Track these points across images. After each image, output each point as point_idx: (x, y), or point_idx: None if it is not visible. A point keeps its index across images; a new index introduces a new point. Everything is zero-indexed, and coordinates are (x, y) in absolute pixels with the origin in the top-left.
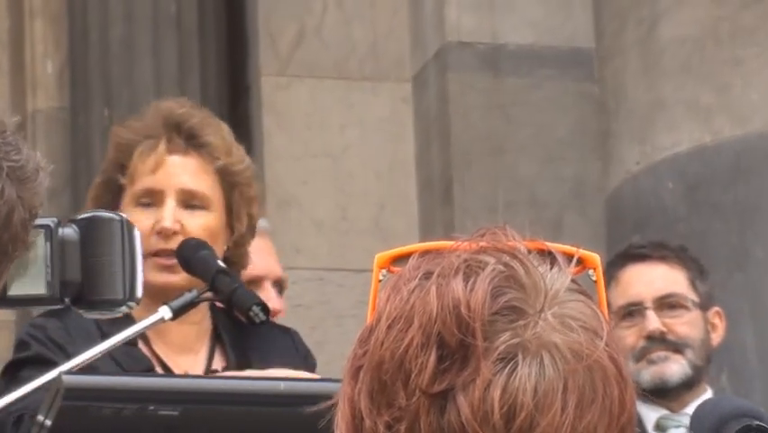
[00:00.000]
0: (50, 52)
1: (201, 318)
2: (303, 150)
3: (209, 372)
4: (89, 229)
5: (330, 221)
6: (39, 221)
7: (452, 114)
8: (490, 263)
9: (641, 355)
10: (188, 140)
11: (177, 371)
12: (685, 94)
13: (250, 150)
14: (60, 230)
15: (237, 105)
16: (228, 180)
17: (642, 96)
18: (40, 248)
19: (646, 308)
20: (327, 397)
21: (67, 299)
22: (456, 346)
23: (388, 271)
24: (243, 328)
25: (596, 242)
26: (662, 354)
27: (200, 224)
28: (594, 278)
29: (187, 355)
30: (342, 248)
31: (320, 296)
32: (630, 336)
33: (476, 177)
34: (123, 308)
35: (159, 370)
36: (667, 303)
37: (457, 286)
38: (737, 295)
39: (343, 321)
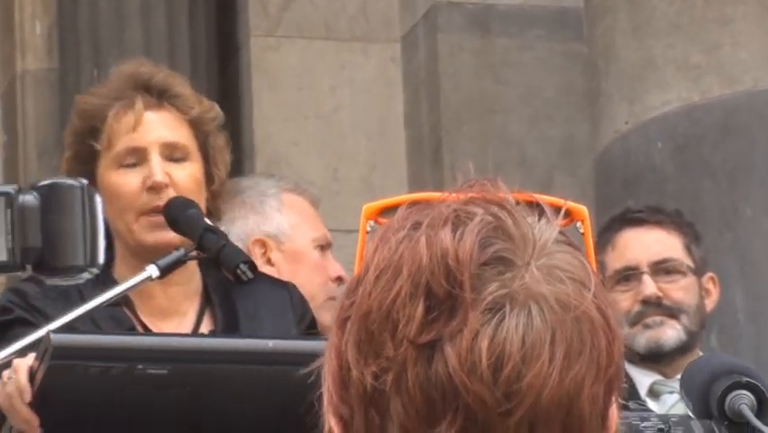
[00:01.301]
0: (39, 13)
1: (187, 279)
2: (293, 111)
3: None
4: (50, 196)
5: (320, 182)
6: None
7: (441, 74)
8: (479, 214)
9: (636, 320)
10: (160, 95)
11: None
12: (674, 53)
13: (240, 111)
14: (21, 197)
15: (227, 66)
16: (202, 129)
17: (631, 56)
18: (0, 215)
19: (642, 273)
20: (315, 356)
21: (28, 266)
22: (444, 297)
23: (376, 222)
24: (234, 286)
25: (585, 201)
26: (657, 318)
27: (187, 174)
28: (582, 230)
29: (173, 318)
30: (332, 208)
31: None
32: (625, 301)
33: (465, 137)
34: (85, 274)
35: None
36: (663, 268)
37: (446, 236)
38: (727, 254)
39: None
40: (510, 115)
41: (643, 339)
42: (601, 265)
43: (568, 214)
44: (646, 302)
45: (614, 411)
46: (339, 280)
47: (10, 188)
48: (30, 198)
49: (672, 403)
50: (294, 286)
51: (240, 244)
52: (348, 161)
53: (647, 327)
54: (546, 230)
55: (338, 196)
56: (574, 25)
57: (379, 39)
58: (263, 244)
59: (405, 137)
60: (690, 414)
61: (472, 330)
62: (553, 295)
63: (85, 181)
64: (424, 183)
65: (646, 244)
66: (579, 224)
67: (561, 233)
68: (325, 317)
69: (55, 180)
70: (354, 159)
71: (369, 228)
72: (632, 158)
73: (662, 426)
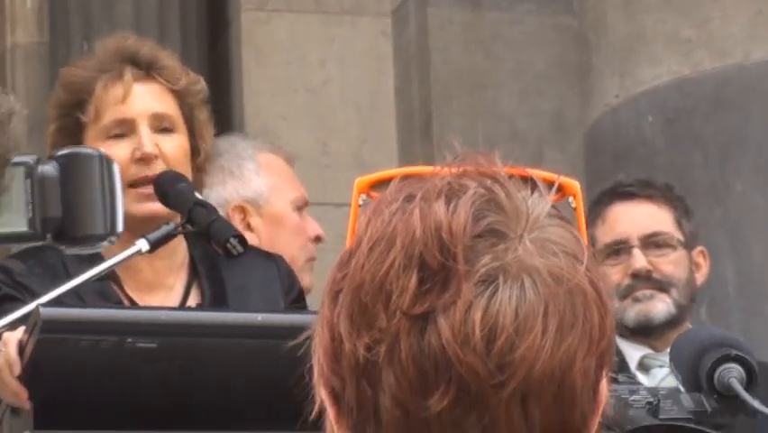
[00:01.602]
0: None
1: (172, 253)
2: (283, 85)
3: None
4: (69, 165)
5: (310, 155)
6: (18, 159)
7: (431, 48)
8: (472, 187)
9: (626, 293)
10: (148, 67)
11: None
12: (665, 27)
13: (230, 85)
14: (40, 167)
15: (217, 40)
16: (187, 102)
17: (622, 30)
18: (20, 185)
19: (632, 247)
20: (304, 329)
21: (48, 235)
22: (437, 268)
23: (368, 196)
24: (221, 259)
25: (575, 175)
26: (647, 292)
27: (175, 146)
28: (574, 205)
29: (159, 292)
30: (322, 182)
31: None
32: (616, 274)
33: (456, 111)
34: (105, 243)
35: None
36: (653, 242)
37: (439, 208)
38: (717, 228)
39: (324, 255)
40: (501, 90)
41: (632, 313)
42: (591, 239)
43: (560, 189)
44: (636, 276)
45: (604, 385)
46: (317, 239)
47: (29, 159)
48: (49, 168)
49: (662, 377)
50: (281, 258)
51: (220, 211)
52: (338, 134)
53: (637, 300)
54: (539, 204)
55: (328, 169)
56: None
57: (368, 12)
58: (242, 210)
59: (395, 111)
60: (680, 387)
61: (466, 302)
62: (545, 268)
63: (102, 150)
64: (414, 157)
65: (636, 217)
66: (571, 198)
67: (553, 207)
68: (306, 279)
69: (73, 150)
70: (344, 133)
71: (361, 202)
72: (622, 132)
73: (651, 399)
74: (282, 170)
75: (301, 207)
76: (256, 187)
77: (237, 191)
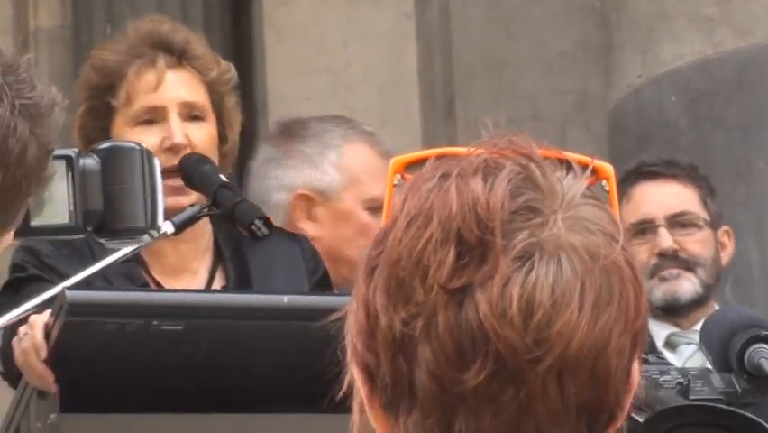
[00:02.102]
0: None
1: (197, 236)
2: (304, 65)
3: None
4: (110, 159)
5: None
6: (59, 152)
7: (453, 29)
8: (508, 165)
9: (653, 273)
10: (181, 55)
11: None
12: (687, 6)
13: (252, 66)
14: (81, 160)
15: (238, 20)
16: (217, 90)
17: (644, 9)
18: (61, 178)
19: (658, 226)
20: (330, 310)
21: (89, 228)
22: (475, 243)
23: (402, 176)
24: (246, 241)
25: (599, 155)
26: (674, 271)
27: (204, 134)
28: (607, 188)
29: (184, 276)
30: None
31: None
32: (642, 254)
33: (478, 92)
34: (145, 237)
35: None
36: (679, 221)
37: (476, 185)
38: (740, 208)
39: None
40: (523, 70)
41: (659, 292)
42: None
43: (594, 172)
44: (663, 255)
45: (636, 366)
46: None
47: (70, 152)
48: (90, 162)
49: (689, 354)
50: (305, 238)
51: (283, 193)
52: (360, 115)
53: (663, 279)
54: (574, 184)
55: None
56: None
57: None
58: (308, 199)
59: (417, 92)
60: (710, 366)
61: (503, 276)
62: (582, 245)
63: (144, 144)
64: (436, 138)
65: (662, 197)
66: (604, 182)
67: (587, 189)
68: None
69: (114, 143)
70: (366, 114)
71: (396, 182)
72: (645, 112)
73: (682, 379)
74: (369, 166)
75: (376, 209)
76: (330, 180)
77: (310, 180)
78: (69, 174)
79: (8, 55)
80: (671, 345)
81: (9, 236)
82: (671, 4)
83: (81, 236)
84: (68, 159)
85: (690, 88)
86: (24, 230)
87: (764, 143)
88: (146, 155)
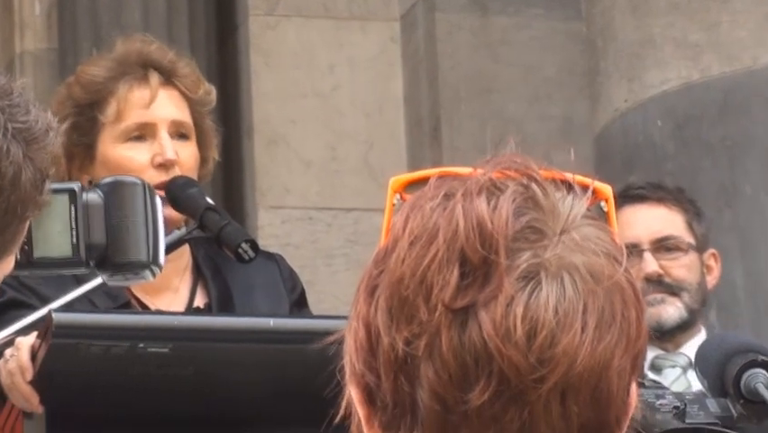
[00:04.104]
0: None
1: (177, 256)
2: (292, 89)
3: (191, 310)
4: (112, 193)
5: (319, 160)
6: (62, 185)
7: (440, 53)
8: (511, 185)
9: None
10: (169, 74)
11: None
12: (673, 31)
13: (238, 90)
14: (84, 194)
15: (225, 44)
16: (199, 111)
17: (630, 35)
18: (64, 212)
19: (643, 250)
20: (316, 333)
21: (92, 262)
22: (479, 263)
23: (401, 197)
24: (224, 260)
25: None
26: (658, 296)
27: (189, 153)
28: (605, 209)
29: (165, 294)
30: (331, 187)
31: (309, 235)
32: None
33: (464, 116)
34: (147, 272)
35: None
36: (664, 246)
37: (481, 204)
38: (726, 232)
39: (333, 260)
40: (509, 94)
41: None
42: None
43: (592, 193)
44: (647, 280)
45: (634, 388)
46: None
47: (74, 185)
48: (94, 196)
49: (674, 378)
50: (281, 257)
51: None
52: (346, 139)
53: (648, 304)
54: (575, 205)
55: (336, 174)
56: (573, 4)
57: (377, 18)
58: None
59: (404, 116)
60: (705, 392)
61: (507, 296)
62: (585, 266)
63: (146, 180)
64: (422, 162)
65: (647, 221)
66: (603, 203)
67: (587, 209)
68: None
69: (117, 178)
70: (353, 137)
71: (395, 201)
72: (631, 137)
73: (678, 403)
74: None
75: None
76: None
77: None
78: (72, 207)
79: (2, 79)
80: (655, 367)
81: (9, 263)
82: (657, 30)
83: (83, 270)
84: (71, 192)
85: (677, 113)
86: (27, 263)
87: (750, 168)
88: (148, 190)
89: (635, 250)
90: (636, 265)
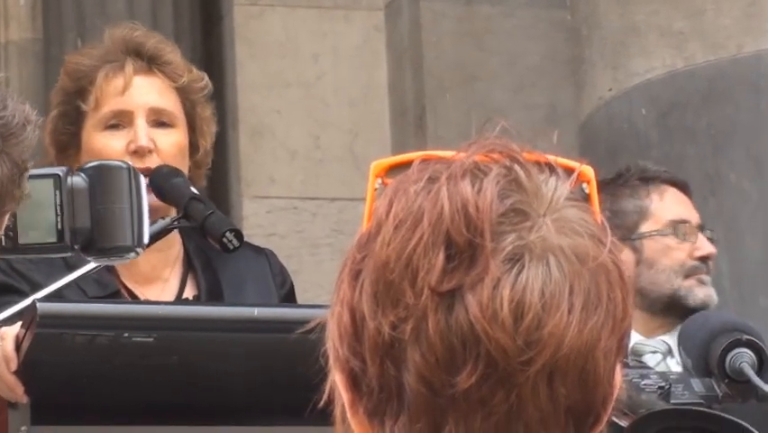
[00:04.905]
0: None
1: (168, 246)
2: (276, 79)
3: (179, 301)
4: (97, 177)
5: (303, 150)
6: (47, 170)
7: (424, 42)
8: (494, 168)
9: (690, 273)
10: (151, 60)
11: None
12: (658, 20)
13: (223, 79)
14: (69, 179)
15: (210, 34)
16: (189, 98)
17: (614, 23)
18: (49, 197)
19: (697, 230)
20: (300, 322)
21: (77, 246)
22: (464, 246)
23: (382, 181)
24: (215, 253)
25: None
26: (707, 277)
27: (171, 141)
28: (587, 191)
29: (155, 284)
30: (315, 177)
31: (294, 225)
32: (680, 252)
33: (449, 105)
34: (132, 255)
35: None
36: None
37: (465, 187)
38: (711, 220)
39: (318, 250)
40: (493, 83)
41: (701, 294)
42: (642, 210)
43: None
44: (704, 260)
45: (619, 369)
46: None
47: (59, 170)
48: (78, 180)
49: (654, 364)
50: (272, 252)
51: None
52: (331, 129)
53: (702, 283)
54: (559, 187)
55: (321, 164)
56: None
57: (361, 7)
58: None
59: (388, 105)
60: (690, 371)
61: (493, 279)
62: (570, 247)
63: (130, 163)
64: (407, 151)
65: (690, 204)
66: (584, 185)
67: (570, 192)
68: None
69: (102, 162)
70: (337, 127)
71: (376, 186)
72: (616, 125)
73: (663, 383)
74: None
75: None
76: None
77: None
78: (57, 192)
79: None
80: (636, 353)
81: None
82: (641, 18)
83: (69, 254)
84: (56, 177)
85: (661, 101)
86: (12, 248)
87: (735, 156)
88: (133, 174)
89: (689, 227)
90: (691, 243)
